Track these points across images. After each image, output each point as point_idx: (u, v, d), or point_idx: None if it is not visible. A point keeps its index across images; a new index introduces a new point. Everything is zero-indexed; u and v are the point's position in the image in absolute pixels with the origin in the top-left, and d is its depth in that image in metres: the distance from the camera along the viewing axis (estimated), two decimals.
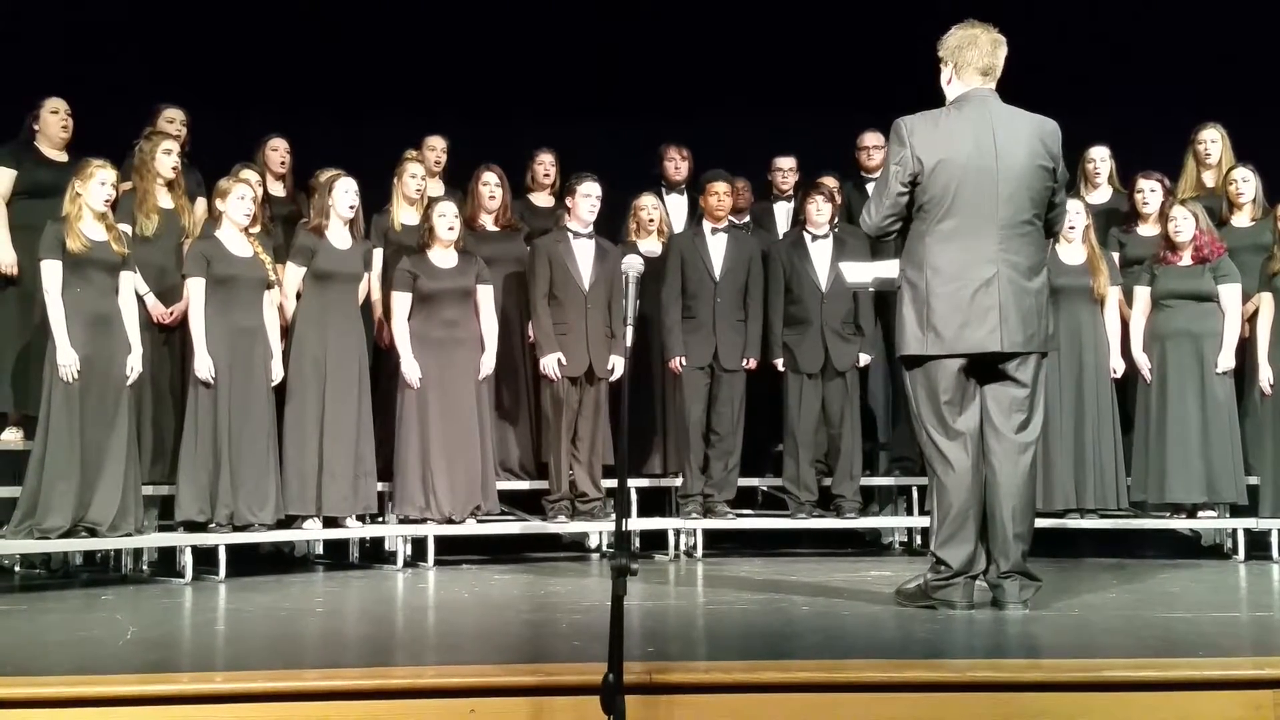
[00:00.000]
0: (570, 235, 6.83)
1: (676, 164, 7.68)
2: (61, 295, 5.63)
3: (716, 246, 7.02)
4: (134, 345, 5.83)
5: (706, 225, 7.09)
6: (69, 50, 7.63)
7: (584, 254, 6.83)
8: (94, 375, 5.67)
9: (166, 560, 6.20)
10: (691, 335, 6.95)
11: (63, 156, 6.48)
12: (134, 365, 5.81)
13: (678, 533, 6.92)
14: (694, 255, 7.00)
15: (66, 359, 5.60)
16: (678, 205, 7.63)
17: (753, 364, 7.02)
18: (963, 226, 4.52)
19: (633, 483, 7.00)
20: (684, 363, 6.92)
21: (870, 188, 7.00)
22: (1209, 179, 7.27)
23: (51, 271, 5.65)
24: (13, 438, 6.31)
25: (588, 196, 6.80)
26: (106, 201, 5.76)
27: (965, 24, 4.66)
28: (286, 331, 6.37)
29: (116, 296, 5.81)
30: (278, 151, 7.11)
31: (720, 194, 7.05)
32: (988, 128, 4.55)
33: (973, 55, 4.62)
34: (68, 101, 6.55)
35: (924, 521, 5.88)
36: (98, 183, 5.72)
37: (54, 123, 6.49)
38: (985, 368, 4.58)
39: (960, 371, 4.56)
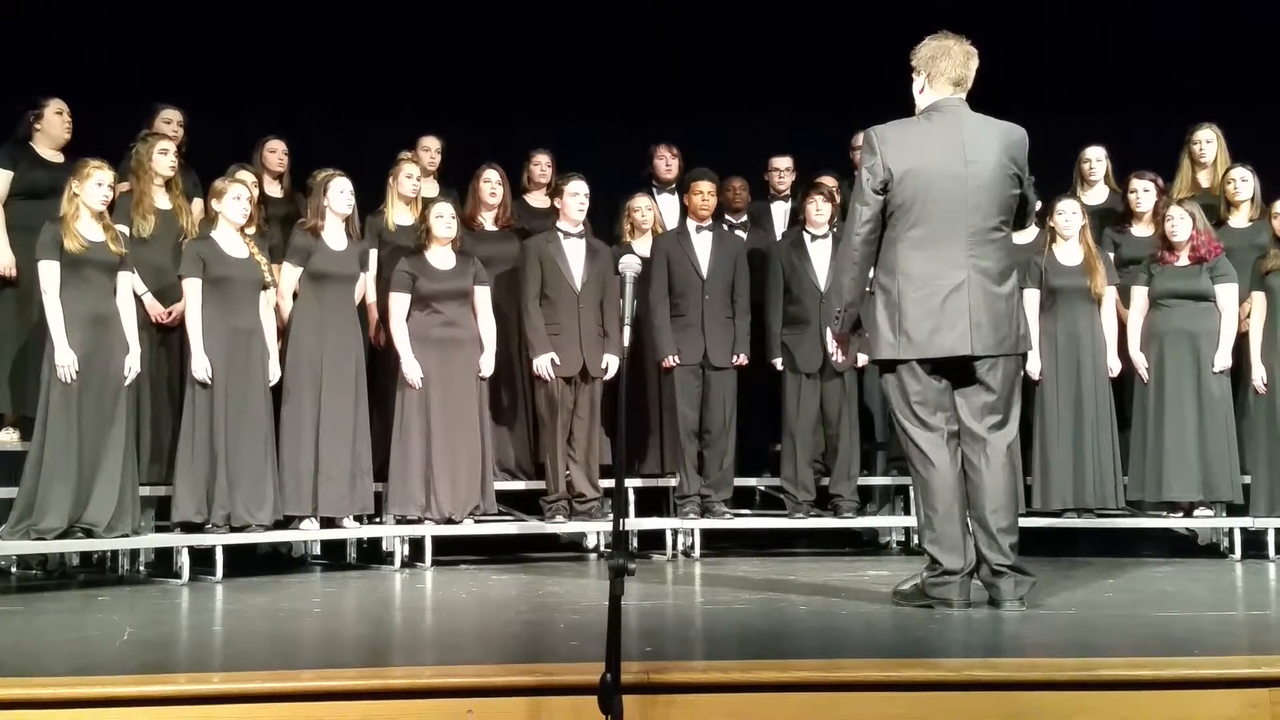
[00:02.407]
0: (561, 235, 6.82)
1: (667, 162, 7.68)
2: (59, 296, 5.63)
3: (702, 245, 7.02)
4: (132, 345, 5.82)
5: (691, 224, 7.09)
6: (66, 51, 7.61)
7: (575, 254, 6.82)
8: (92, 375, 5.67)
9: (164, 561, 6.20)
10: (680, 334, 6.95)
11: (59, 157, 6.47)
12: (132, 365, 5.81)
13: (675, 532, 6.92)
14: (680, 254, 6.99)
15: (65, 359, 5.59)
16: (669, 205, 7.63)
17: (743, 360, 7.02)
18: (932, 233, 4.58)
19: (630, 483, 7.01)
20: (676, 359, 6.93)
21: None
22: (1204, 179, 7.27)
23: (49, 272, 5.64)
24: (9, 438, 6.30)
25: (575, 195, 6.80)
26: (104, 202, 5.76)
27: (939, 35, 4.72)
28: (283, 332, 6.37)
29: (114, 297, 5.81)
30: (275, 153, 7.12)
31: (704, 193, 7.05)
32: (958, 137, 4.61)
33: (946, 65, 4.67)
34: (65, 102, 6.53)
35: None
36: (95, 183, 5.72)
37: (58, 123, 6.48)
38: (959, 371, 4.65)
39: (935, 374, 4.63)
